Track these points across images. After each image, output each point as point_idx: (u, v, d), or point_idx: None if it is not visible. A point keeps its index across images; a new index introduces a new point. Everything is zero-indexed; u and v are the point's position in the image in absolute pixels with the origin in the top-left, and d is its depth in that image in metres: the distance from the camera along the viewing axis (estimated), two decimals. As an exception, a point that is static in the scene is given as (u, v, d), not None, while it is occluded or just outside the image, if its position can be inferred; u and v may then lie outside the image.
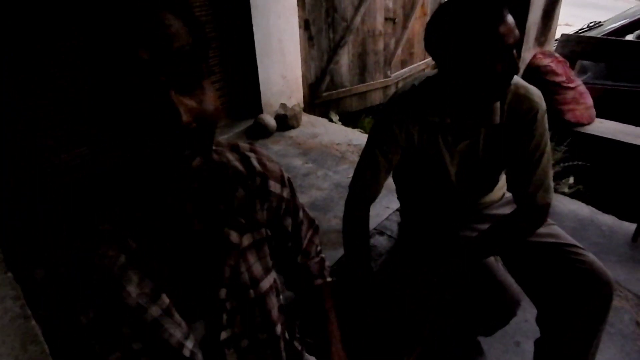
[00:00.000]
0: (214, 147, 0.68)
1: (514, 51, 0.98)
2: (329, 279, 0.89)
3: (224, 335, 0.64)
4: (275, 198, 0.73)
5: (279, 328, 0.74)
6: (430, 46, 1.06)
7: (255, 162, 0.70)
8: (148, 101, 0.47)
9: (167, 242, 0.60)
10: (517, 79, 1.12)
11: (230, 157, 0.68)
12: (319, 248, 0.92)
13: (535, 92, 1.12)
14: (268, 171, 0.71)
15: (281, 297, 0.77)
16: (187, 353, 0.60)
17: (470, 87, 1.02)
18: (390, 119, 1.17)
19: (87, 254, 0.55)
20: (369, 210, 1.29)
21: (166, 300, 0.58)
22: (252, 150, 0.73)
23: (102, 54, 0.46)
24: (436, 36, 1.03)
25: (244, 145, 0.73)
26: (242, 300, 0.67)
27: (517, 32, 0.97)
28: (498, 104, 1.10)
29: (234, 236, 0.64)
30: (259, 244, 0.70)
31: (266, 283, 0.70)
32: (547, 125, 1.13)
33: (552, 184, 1.18)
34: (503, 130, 1.13)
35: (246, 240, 0.67)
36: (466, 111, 1.11)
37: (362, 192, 1.27)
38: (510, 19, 0.96)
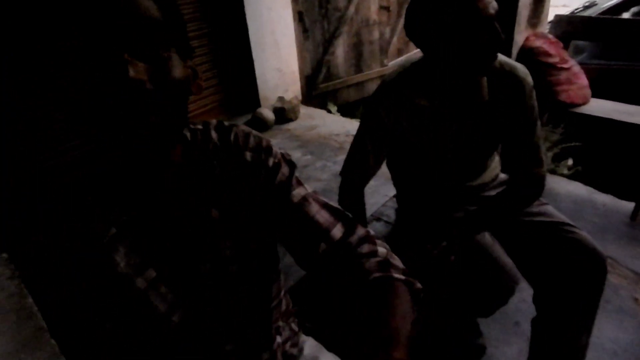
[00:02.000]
0: (199, 127, 0.70)
1: (495, 22, 0.99)
2: (397, 276, 0.68)
3: (210, 310, 0.67)
4: (257, 170, 0.71)
5: (271, 305, 0.76)
6: (412, 30, 1.08)
7: (232, 137, 0.71)
8: (102, 61, 0.51)
9: (153, 217, 0.63)
10: (502, 57, 1.13)
11: (213, 134, 0.70)
12: (381, 250, 0.73)
13: (521, 68, 1.13)
14: (246, 145, 0.71)
15: (282, 277, 0.79)
16: (172, 325, 0.63)
17: (457, 65, 1.03)
18: (378, 105, 1.19)
19: (80, 225, 0.60)
20: (362, 195, 1.31)
21: (152, 273, 0.61)
22: (234, 126, 0.73)
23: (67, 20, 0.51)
24: (418, 19, 1.05)
25: (229, 123, 0.73)
26: (225, 275, 0.68)
27: (494, 3, 0.99)
28: (485, 82, 1.11)
29: (214, 212, 0.66)
30: (244, 220, 0.70)
31: (253, 260, 0.71)
32: (535, 101, 1.15)
33: (544, 157, 1.19)
34: (491, 108, 1.14)
35: (228, 216, 0.68)
36: (454, 91, 1.12)
37: (352, 178, 1.30)
38: None
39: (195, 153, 0.67)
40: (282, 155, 0.75)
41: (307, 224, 0.72)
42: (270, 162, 0.72)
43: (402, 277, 0.69)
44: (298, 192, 0.73)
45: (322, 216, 0.73)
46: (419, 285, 0.70)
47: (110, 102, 0.51)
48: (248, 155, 0.70)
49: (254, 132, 0.74)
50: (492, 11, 0.97)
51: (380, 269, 0.69)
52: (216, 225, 0.67)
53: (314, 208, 0.73)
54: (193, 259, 0.65)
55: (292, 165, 0.75)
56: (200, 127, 0.70)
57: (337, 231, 0.72)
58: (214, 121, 0.73)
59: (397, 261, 0.72)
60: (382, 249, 0.72)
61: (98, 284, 0.60)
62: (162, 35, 0.54)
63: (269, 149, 0.73)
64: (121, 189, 0.62)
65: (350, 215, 0.76)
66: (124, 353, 0.62)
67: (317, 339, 0.90)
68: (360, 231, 0.75)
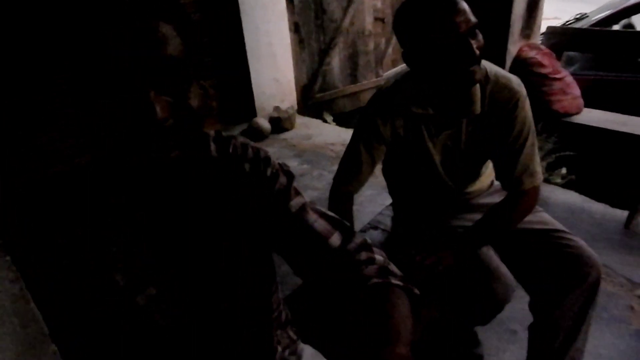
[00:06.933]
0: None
1: (472, 38, 0.98)
2: (395, 282, 0.68)
3: (217, 319, 0.67)
4: (256, 180, 0.72)
5: (273, 314, 0.76)
6: (399, 42, 1.10)
7: (231, 148, 0.72)
8: (128, 98, 0.51)
9: (152, 227, 0.64)
10: (496, 68, 1.15)
11: (212, 146, 0.71)
12: (379, 257, 0.73)
13: (515, 80, 1.14)
14: (245, 156, 0.72)
15: (279, 287, 0.79)
16: (174, 338, 0.63)
17: (435, 78, 1.05)
18: (374, 113, 1.21)
19: (80, 242, 0.60)
20: (352, 203, 1.33)
21: (152, 291, 0.62)
22: (232, 137, 0.74)
23: (94, 56, 0.50)
24: (398, 32, 1.07)
25: (227, 134, 0.74)
26: (226, 288, 0.68)
27: (471, 18, 0.97)
28: (479, 93, 1.13)
29: (214, 223, 0.67)
30: (249, 231, 0.70)
31: (257, 269, 0.72)
32: (529, 111, 1.16)
33: (538, 168, 1.20)
34: (485, 119, 1.15)
35: (234, 227, 0.69)
36: (445, 101, 1.14)
37: (344, 185, 1.32)
38: (462, 6, 0.97)
39: (195, 165, 0.67)
40: (280, 165, 0.76)
41: (305, 232, 0.73)
42: (269, 172, 0.73)
43: (401, 283, 0.69)
44: (296, 202, 0.74)
45: (320, 225, 0.73)
46: (417, 291, 0.69)
47: (132, 136, 0.53)
48: (247, 166, 0.71)
49: (252, 143, 0.75)
50: (464, 27, 0.96)
51: (379, 275, 0.69)
52: (217, 236, 0.67)
53: (312, 217, 0.74)
54: (195, 271, 0.65)
55: (290, 175, 0.76)
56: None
57: (335, 239, 0.72)
58: (212, 132, 0.73)
59: (394, 268, 0.72)
60: (379, 257, 0.73)
61: (98, 298, 0.60)
62: (185, 68, 0.55)
63: (267, 160, 0.74)
64: (121, 197, 0.62)
65: (347, 223, 0.77)
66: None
67: (315, 347, 0.90)
68: (358, 239, 0.75)
